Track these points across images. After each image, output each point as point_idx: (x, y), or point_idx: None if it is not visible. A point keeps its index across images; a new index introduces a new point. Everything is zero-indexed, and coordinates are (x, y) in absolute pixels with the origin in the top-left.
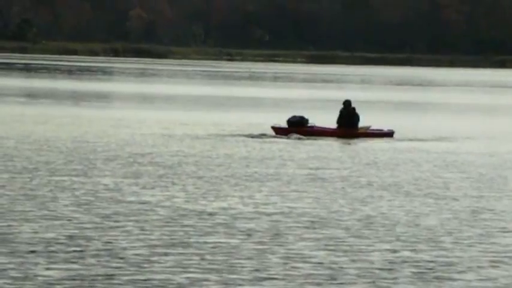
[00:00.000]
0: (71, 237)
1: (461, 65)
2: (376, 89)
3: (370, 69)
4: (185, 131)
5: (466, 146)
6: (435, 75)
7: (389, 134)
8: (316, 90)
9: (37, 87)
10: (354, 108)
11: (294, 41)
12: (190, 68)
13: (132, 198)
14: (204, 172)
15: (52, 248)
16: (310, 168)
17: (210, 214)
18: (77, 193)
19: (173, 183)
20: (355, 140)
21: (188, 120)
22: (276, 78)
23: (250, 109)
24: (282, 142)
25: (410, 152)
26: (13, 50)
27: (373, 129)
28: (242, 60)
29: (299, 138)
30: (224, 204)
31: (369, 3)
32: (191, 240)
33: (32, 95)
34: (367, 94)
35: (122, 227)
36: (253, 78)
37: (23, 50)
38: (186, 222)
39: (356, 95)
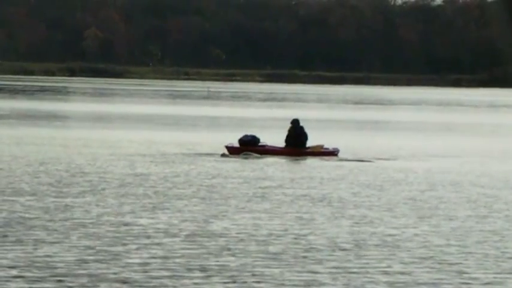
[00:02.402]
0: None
1: (417, 83)
2: (333, 108)
3: (327, 88)
4: (139, 150)
5: (410, 164)
6: (391, 94)
7: (334, 153)
8: (273, 109)
9: None
10: (302, 127)
11: (251, 60)
12: (147, 88)
13: (83, 215)
14: (148, 190)
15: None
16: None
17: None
18: (35, 213)
19: (122, 202)
20: (301, 159)
21: (143, 140)
22: (233, 98)
23: (207, 128)
24: (234, 161)
25: (349, 170)
26: None
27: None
28: (199, 79)
29: (249, 156)
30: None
31: (325, 22)
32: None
33: None
34: (324, 113)
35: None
36: (211, 97)
37: None
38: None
39: (312, 114)
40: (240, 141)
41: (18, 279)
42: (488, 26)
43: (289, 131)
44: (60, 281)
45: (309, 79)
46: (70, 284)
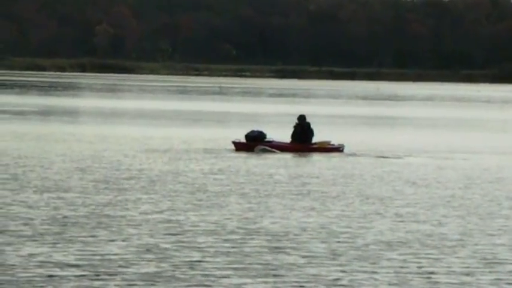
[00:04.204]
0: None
1: (428, 79)
2: (344, 103)
3: (337, 84)
4: (150, 146)
5: (415, 161)
6: (402, 90)
7: (339, 149)
8: (283, 105)
9: (4, 103)
10: (308, 123)
11: (262, 56)
12: (157, 84)
13: (114, 212)
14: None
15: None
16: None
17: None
18: (54, 212)
19: (155, 199)
20: (307, 155)
21: (154, 135)
22: (243, 93)
23: (217, 124)
24: (265, 157)
25: (353, 167)
26: None
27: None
28: (210, 75)
29: (264, 151)
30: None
31: (335, 17)
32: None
33: None
34: (334, 108)
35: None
36: (221, 93)
37: None
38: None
39: (322, 110)
40: (247, 136)
41: (71, 278)
42: (499, 21)
43: (295, 127)
44: (110, 279)
45: (319, 75)
46: (119, 282)
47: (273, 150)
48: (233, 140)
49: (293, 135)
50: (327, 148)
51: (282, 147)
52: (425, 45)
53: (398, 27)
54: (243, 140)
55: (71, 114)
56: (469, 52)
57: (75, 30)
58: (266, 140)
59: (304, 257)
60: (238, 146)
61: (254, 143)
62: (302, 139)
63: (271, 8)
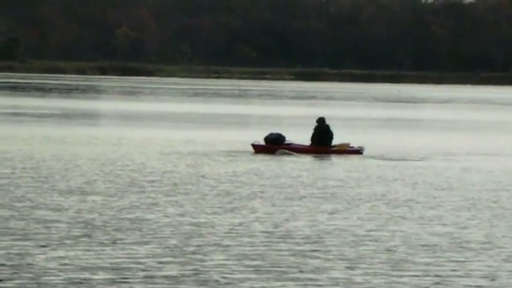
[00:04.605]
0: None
1: (448, 81)
2: (362, 106)
3: (356, 86)
4: (172, 148)
5: (438, 163)
6: (422, 92)
7: (359, 151)
8: (303, 107)
9: (24, 106)
10: (328, 126)
11: (281, 58)
12: (177, 86)
13: (137, 215)
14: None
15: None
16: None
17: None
18: (83, 214)
19: (171, 202)
20: (327, 157)
21: (175, 138)
22: (263, 96)
23: (237, 126)
24: (289, 160)
25: (376, 169)
26: (0, 69)
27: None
28: (229, 78)
29: (284, 154)
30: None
31: (355, 19)
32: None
33: (18, 114)
34: (353, 111)
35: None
36: (240, 95)
37: (10, 69)
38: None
39: (342, 112)
40: (266, 139)
41: (98, 281)
42: None
43: (315, 129)
44: (136, 282)
45: (339, 77)
46: (145, 286)
47: (293, 153)
48: (252, 142)
49: (312, 138)
50: (346, 150)
51: (301, 150)
52: (445, 47)
53: (418, 30)
54: (262, 142)
55: (92, 116)
56: (489, 54)
57: (96, 33)
58: (285, 142)
59: (329, 260)
60: (257, 149)
61: (273, 145)
62: (321, 142)
63: (291, 10)
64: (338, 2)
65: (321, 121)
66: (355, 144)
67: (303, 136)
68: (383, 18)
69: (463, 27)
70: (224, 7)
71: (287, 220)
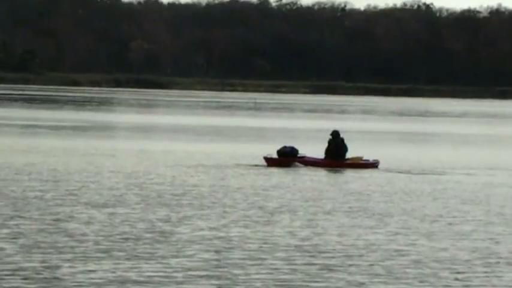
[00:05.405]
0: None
1: (462, 95)
2: (377, 120)
3: (372, 99)
4: (195, 161)
5: (461, 178)
6: (436, 106)
7: (374, 165)
8: (318, 120)
9: (39, 118)
10: (342, 139)
11: (296, 71)
12: (192, 99)
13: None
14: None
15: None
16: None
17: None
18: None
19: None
20: (341, 171)
21: (195, 150)
22: (278, 109)
23: (252, 139)
24: (282, 172)
25: (395, 183)
26: (16, 81)
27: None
28: (244, 90)
29: (297, 166)
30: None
31: (370, 33)
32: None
33: (34, 126)
34: (369, 124)
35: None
36: (255, 108)
37: (25, 81)
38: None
39: (357, 126)
40: (279, 152)
41: None
42: None
43: (329, 142)
44: None
45: (354, 90)
46: None
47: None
48: (264, 155)
49: (327, 151)
50: (362, 164)
51: (315, 163)
52: (460, 61)
53: (433, 44)
54: (275, 155)
55: (111, 129)
56: (504, 68)
57: (111, 45)
58: (298, 155)
59: (360, 275)
60: (270, 162)
61: (286, 158)
62: (336, 155)
63: (306, 23)
64: (352, 15)
65: (335, 134)
66: (369, 157)
67: (318, 149)
68: (398, 32)
69: (478, 42)
70: (239, 20)
71: (317, 234)
